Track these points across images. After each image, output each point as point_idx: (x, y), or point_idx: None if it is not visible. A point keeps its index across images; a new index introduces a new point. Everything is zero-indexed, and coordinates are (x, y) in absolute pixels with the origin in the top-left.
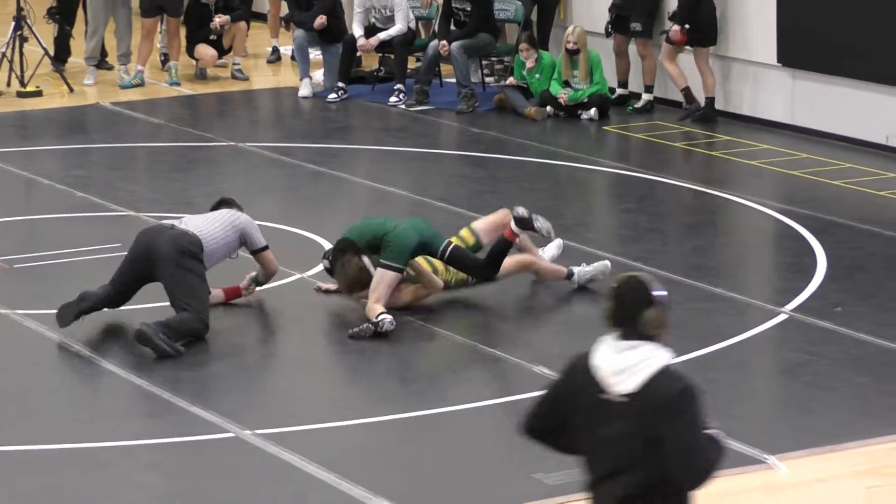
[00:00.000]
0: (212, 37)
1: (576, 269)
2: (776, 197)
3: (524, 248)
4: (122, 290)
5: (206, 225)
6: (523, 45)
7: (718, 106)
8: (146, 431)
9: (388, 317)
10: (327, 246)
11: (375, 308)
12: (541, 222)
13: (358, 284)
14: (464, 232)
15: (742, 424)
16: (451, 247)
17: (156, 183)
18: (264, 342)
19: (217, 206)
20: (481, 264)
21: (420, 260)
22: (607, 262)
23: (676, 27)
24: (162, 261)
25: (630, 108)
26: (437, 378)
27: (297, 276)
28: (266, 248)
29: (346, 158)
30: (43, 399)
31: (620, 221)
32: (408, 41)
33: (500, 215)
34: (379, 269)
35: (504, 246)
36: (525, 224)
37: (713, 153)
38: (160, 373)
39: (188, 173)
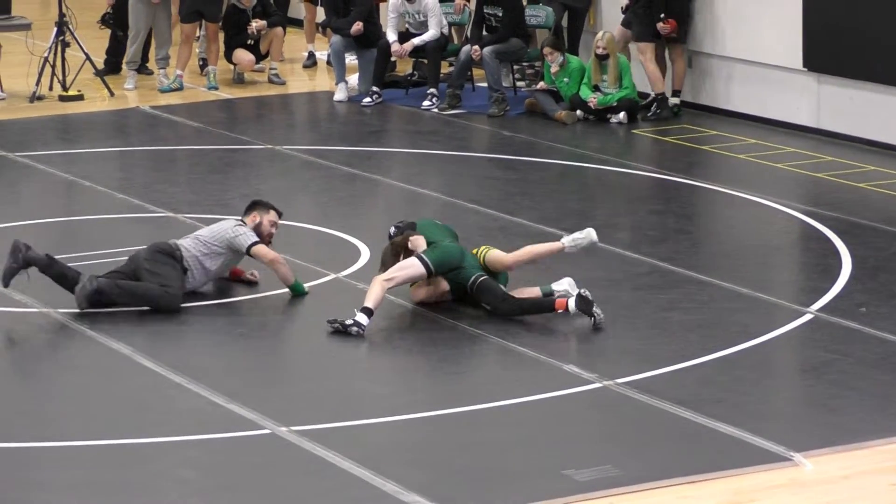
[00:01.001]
0: (249, 42)
1: (565, 240)
2: (801, 199)
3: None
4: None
5: (202, 232)
6: (547, 50)
7: (747, 110)
8: (185, 428)
9: (364, 322)
10: (361, 247)
11: (381, 286)
12: (598, 310)
13: (396, 253)
14: (481, 258)
15: (768, 422)
16: (481, 279)
17: (194, 185)
18: (300, 341)
19: (247, 210)
20: (503, 301)
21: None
22: (592, 230)
23: (661, 24)
24: (139, 262)
25: (657, 111)
26: (470, 376)
27: (333, 276)
28: (253, 244)
29: (380, 161)
30: (83, 396)
31: (648, 223)
32: (441, 46)
33: (507, 263)
34: (413, 258)
35: (544, 309)
36: (586, 307)
37: (740, 156)
38: (199, 370)
39: (226, 175)
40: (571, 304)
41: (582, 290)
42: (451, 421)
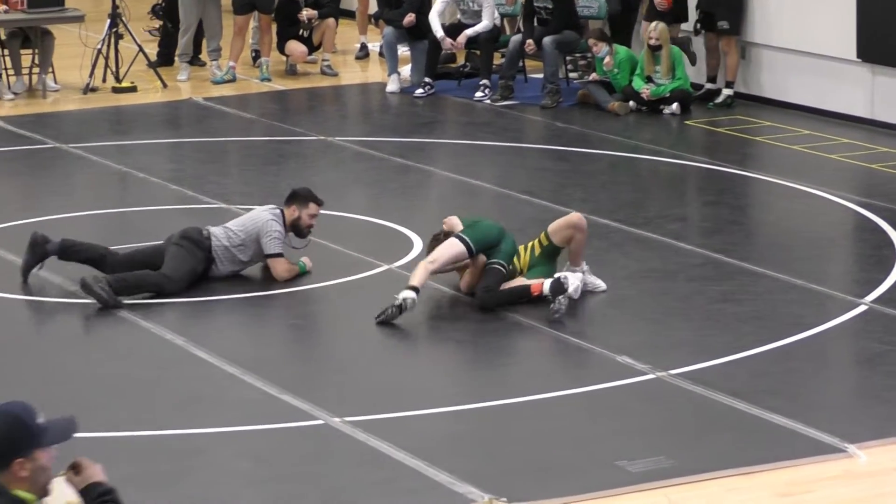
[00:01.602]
0: (302, 33)
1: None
2: (855, 190)
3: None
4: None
5: (233, 223)
6: (592, 41)
7: (800, 101)
8: (238, 419)
9: (412, 295)
10: (414, 238)
11: (424, 268)
12: (562, 300)
13: (438, 241)
14: (542, 236)
15: (822, 414)
16: (497, 265)
17: (247, 176)
18: (352, 332)
19: (287, 201)
20: (485, 291)
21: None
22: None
23: None
24: (168, 244)
25: (711, 104)
26: (521, 367)
27: (385, 267)
28: (274, 255)
29: (432, 152)
30: (138, 386)
31: (702, 214)
32: (494, 37)
33: (572, 218)
34: (452, 238)
35: (524, 296)
36: (554, 291)
37: (793, 147)
38: (250, 360)
39: (279, 167)
40: (546, 286)
41: (562, 276)
42: (503, 412)
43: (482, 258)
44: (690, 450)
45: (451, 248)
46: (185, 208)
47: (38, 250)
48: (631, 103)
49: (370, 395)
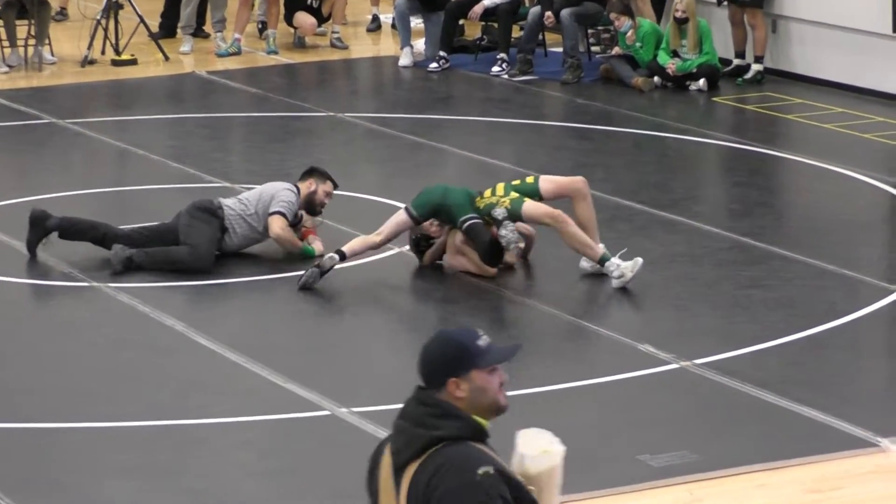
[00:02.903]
0: (311, 3)
1: (612, 265)
2: (891, 171)
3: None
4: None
5: (247, 194)
6: (613, 14)
7: (833, 77)
8: (241, 408)
9: (334, 257)
10: None
11: (364, 239)
12: (507, 232)
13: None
14: (530, 179)
15: (854, 406)
16: (470, 221)
17: (252, 154)
18: (361, 317)
19: (304, 175)
20: (486, 251)
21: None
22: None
23: None
24: (180, 219)
25: (740, 80)
26: (539, 356)
27: (397, 249)
28: (275, 213)
29: (447, 129)
30: (137, 374)
31: (730, 195)
32: (513, 9)
33: (575, 183)
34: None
35: (492, 244)
36: (500, 241)
37: (825, 126)
38: (255, 347)
39: (285, 144)
40: (502, 231)
41: (508, 229)
42: (520, 403)
43: (456, 234)
44: (715, 444)
45: (395, 217)
46: (186, 187)
47: (39, 226)
48: (656, 79)
49: (379, 384)
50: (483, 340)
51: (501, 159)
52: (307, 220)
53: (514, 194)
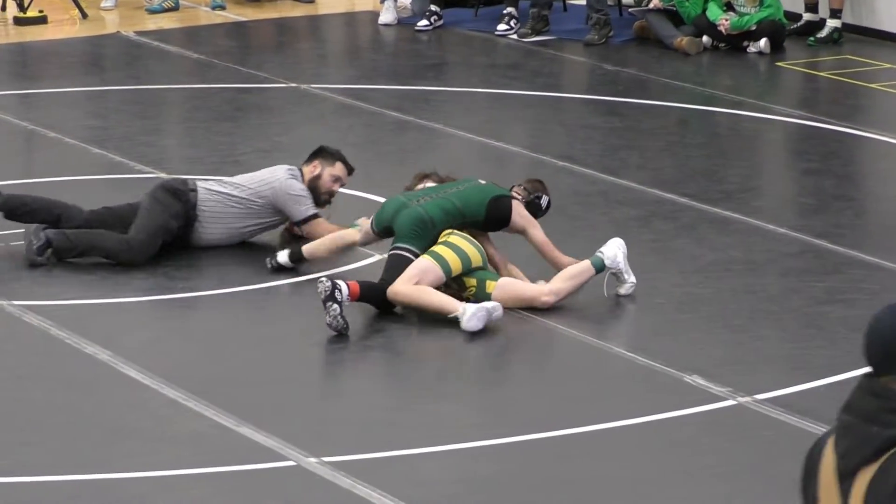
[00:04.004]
0: None
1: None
2: None
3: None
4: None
5: (239, 178)
6: None
7: None
8: (183, 458)
9: (284, 259)
10: None
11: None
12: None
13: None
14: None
15: None
16: (396, 251)
17: (194, 136)
18: (334, 341)
19: (310, 157)
20: (381, 280)
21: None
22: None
23: None
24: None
25: (812, 39)
26: (559, 390)
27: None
28: (309, 219)
29: (439, 104)
30: (48, 415)
31: (799, 186)
32: None
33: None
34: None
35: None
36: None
37: None
38: (201, 383)
39: (236, 123)
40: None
41: (331, 315)
42: (535, 449)
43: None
44: (783, 499)
45: (365, 223)
46: (110, 178)
47: None
48: (704, 38)
49: (358, 427)
50: None
51: (509, 142)
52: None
53: (472, 281)
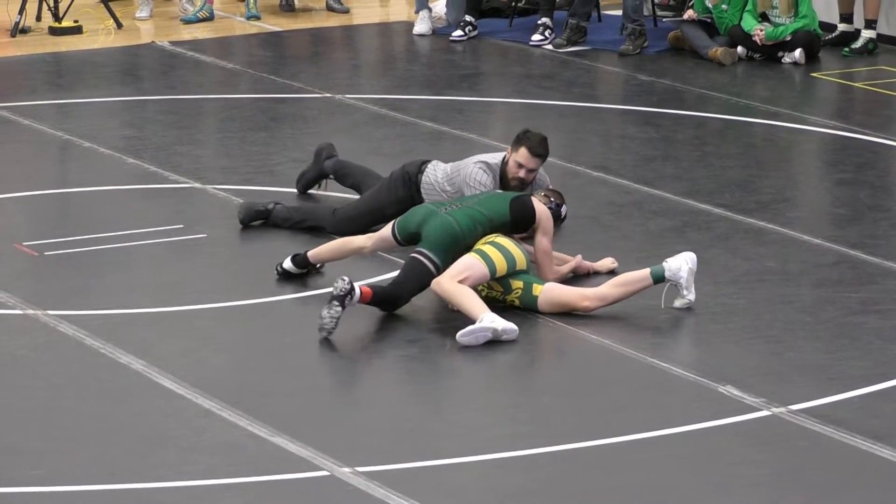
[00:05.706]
0: None
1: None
2: None
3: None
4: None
5: (449, 166)
6: None
7: None
8: (216, 468)
9: (286, 267)
10: None
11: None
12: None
13: None
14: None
15: None
16: (416, 255)
17: (229, 146)
18: (367, 351)
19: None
20: (393, 284)
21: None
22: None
23: None
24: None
25: (847, 49)
26: (592, 400)
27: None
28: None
29: (474, 114)
30: (82, 424)
31: (834, 196)
32: None
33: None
34: None
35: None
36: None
37: None
38: (234, 393)
39: (271, 133)
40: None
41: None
42: (568, 460)
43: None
44: None
45: (384, 230)
46: (145, 188)
47: (318, 163)
48: (739, 49)
49: (391, 437)
50: None
51: None
52: None
53: (518, 283)
